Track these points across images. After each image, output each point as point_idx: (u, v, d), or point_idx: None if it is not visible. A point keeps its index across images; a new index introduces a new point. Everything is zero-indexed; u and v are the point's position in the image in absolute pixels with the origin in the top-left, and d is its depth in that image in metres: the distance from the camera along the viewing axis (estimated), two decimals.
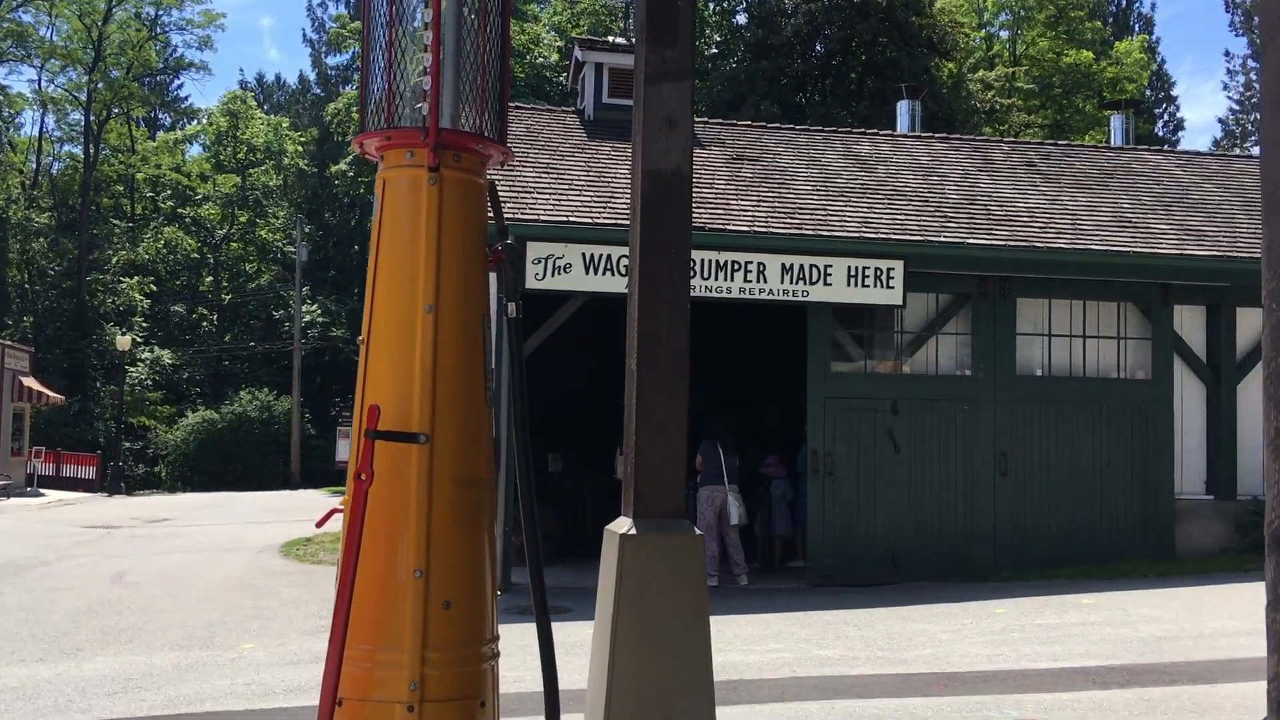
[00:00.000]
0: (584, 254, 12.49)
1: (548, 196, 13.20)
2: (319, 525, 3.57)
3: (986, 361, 13.55)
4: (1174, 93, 63.05)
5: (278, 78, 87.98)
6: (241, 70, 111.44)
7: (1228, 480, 13.97)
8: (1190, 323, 14.21)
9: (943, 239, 13.34)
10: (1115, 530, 13.59)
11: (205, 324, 59.01)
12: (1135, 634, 9.11)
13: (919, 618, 10.27)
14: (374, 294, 3.36)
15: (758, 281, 12.80)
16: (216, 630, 9.84)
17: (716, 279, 12.71)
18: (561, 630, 9.97)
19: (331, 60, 67.15)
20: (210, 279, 59.96)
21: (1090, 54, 51.60)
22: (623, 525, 5.12)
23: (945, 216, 14.05)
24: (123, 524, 22.34)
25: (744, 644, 9.00)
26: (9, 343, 36.74)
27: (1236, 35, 52.99)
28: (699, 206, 13.27)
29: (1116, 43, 52.74)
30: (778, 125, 18.22)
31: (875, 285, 12.99)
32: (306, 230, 55.17)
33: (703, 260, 12.66)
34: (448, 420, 3.27)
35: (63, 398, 41.97)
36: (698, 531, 5.13)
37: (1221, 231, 14.56)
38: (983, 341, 13.58)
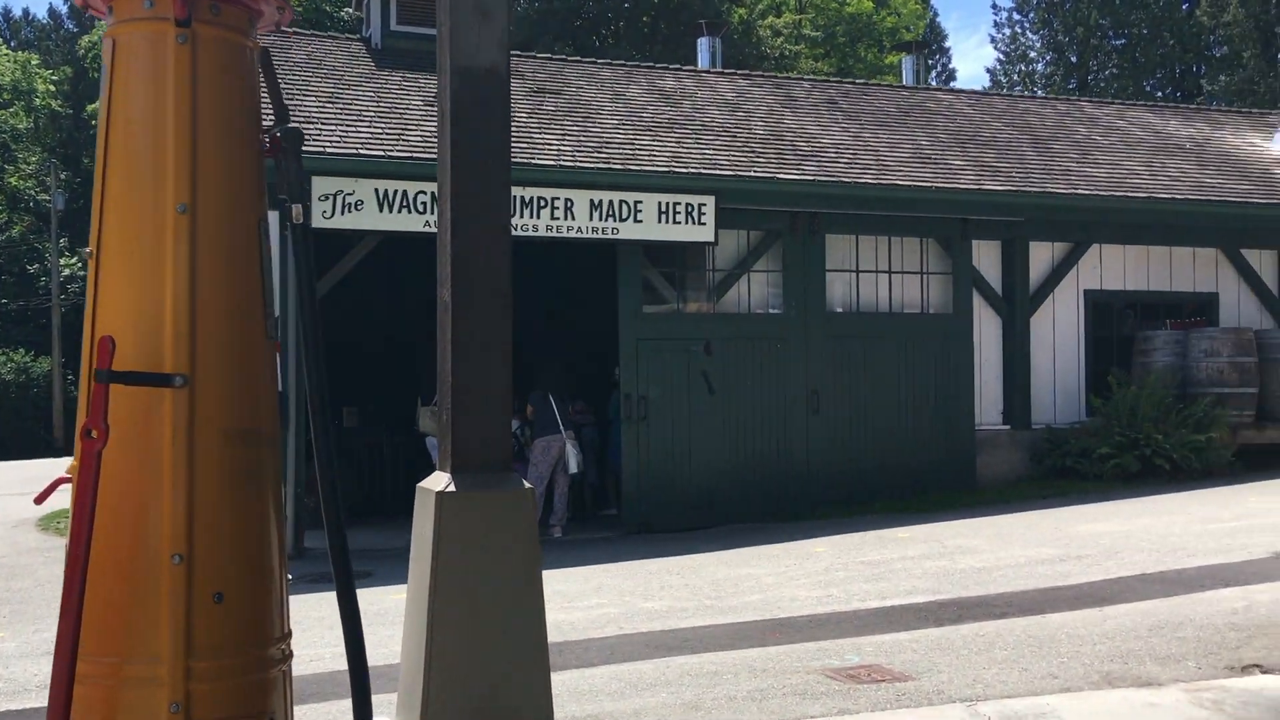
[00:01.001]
0: (377, 190, 11.51)
1: (333, 128, 12.11)
2: (38, 501, 2.72)
3: (797, 299, 13.38)
4: (946, 44, 65.59)
5: (26, 12, 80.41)
6: None
7: (1022, 411, 14.36)
8: (987, 258, 14.44)
9: (754, 174, 13.02)
10: (923, 463, 13.75)
11: None
12: (956, 566, 9.07)
13: (742, 562, 9.99)
14: (104, 192, 2.50)
15: (566, 219, 12.14)
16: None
17: (522, 216, 11.97)
18: (365, 597, 9.17)
19: None
20: None
21: (870, 4, 53.08)
22: (439, 481, 4.43)
23: (754, 152, 13.74)
24: None
25: (565, 600, 8.45)
26: None
27: None
28: None
29: None
30: (579, 59, 17.51)
31: (687, 222, 12.55)
32: (63, 177, 50.80)
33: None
34: (213, 357, 2.49)
35: None
36: (527, 485, 4.48)
37: (1014, 168, 14.84)
38: (794, 279, 13.39)
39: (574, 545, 11.88)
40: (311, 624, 8.06)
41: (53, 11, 71.95)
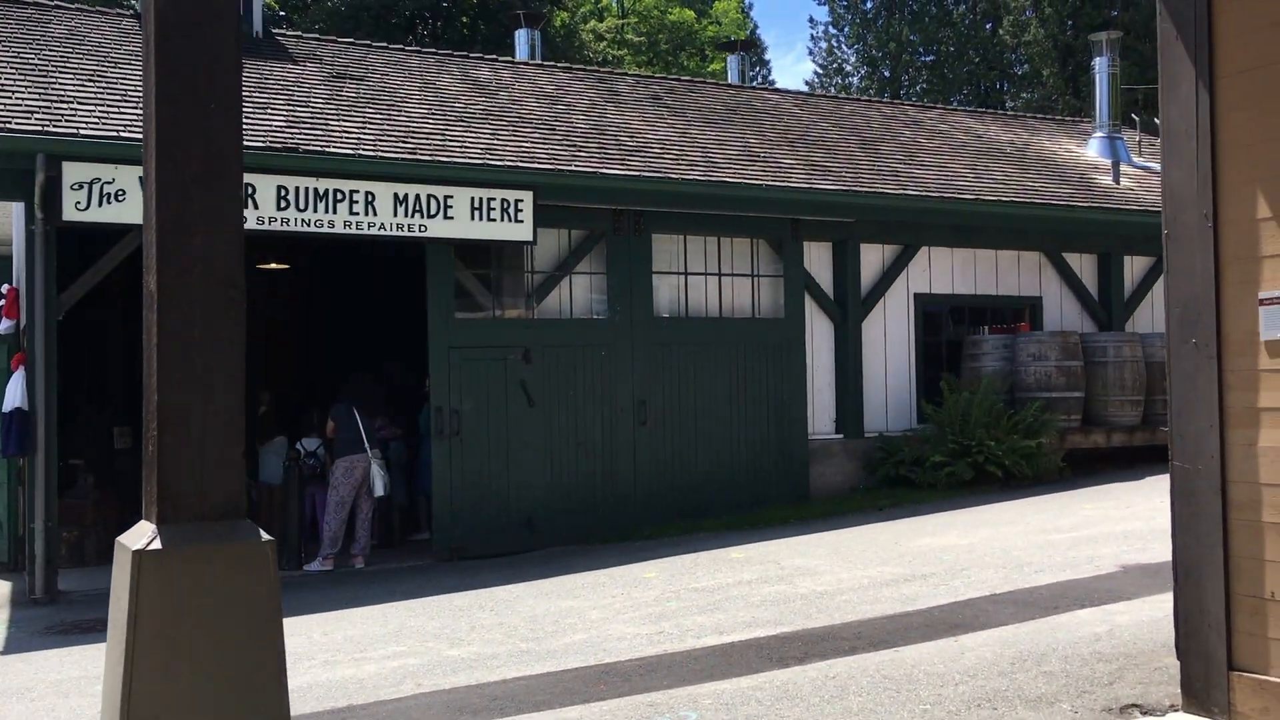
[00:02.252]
0: (141, 177, 9.99)
1: (92, 108, 10.55)
2: None
3: (623, 303, 12.51)
4: (766, 56, 66.48)
5: None
6: None
7: (855, 419, 13.88)
8: (819, 260, 13.93)
9: (574, 168, 12.07)
10: (755, 475, 13.08)
11: None
12: (796, 590, 8.31)
13: (565, 593, 9.00)
14: None
15: (367, 214, 10.92)
16: None
17: (316, 210, 10.70)
18: (87, 655, 7.73)
19: None
20: None
21: (692, 13, 53.28)
22: (140, 535, 3.29)
23: (575, 146, 12.80)
24: None
25: (357, 650, 7.28)
26: None
27: (819, 4, 56.32)
28: (290, 127, 11.18)
29: (716, 2, 54.77)
30: (385, 45, 16.25)
31: (502, 219, 11.51)
32: None
33: (298, 189, 10.61)
34: None
35: None
36: (265, 536, 3.37)
37: (844, 168, 14.39)
38: (619, 281, 12.52)
39: (378, 577, 10.65)
40: (45, 691, 6.67)
41: None
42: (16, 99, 10.31)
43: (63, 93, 10.74)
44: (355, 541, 11.37)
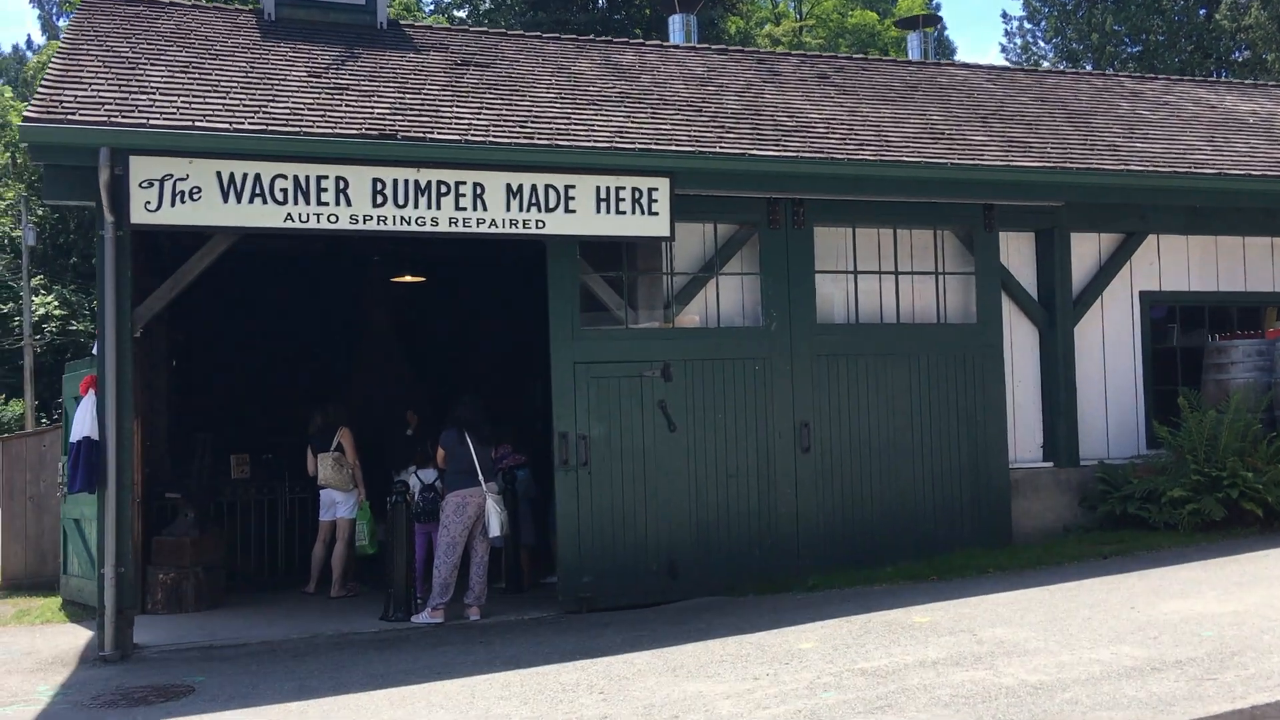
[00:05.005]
0: (220, 173, 8.78)
1: (173, 98, 9.41)
2: None
3: (780, 308, 10.59)
4: (951, 43, 62.87)
5: (15, 48, 78.52)
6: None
7: (1068, 443, 11.48)
8: (1019, 254, 11.64)
9: (720, 149, 10.25)
10: (942, 514, 10.89)
11: None
12: (999, 681, 6.21)
13: (696, 668, 7.13)
14: None
15: (475, 209, 9.39)
16: None
17: (417, 206, 9.23)
18: None
19: (66, 21, 59.73)
20: None
21: (875, 15, 50.74)
22: None
23: (723, 127, 10.98)
24: None
25: None
26: None
27: None
28: (394, 114, 9.79)
29: (900, 1, 52.06)
30: (521, 33, 14.85)
31: (634, 211, 9.78)
32: (39, 213, 48.52)
33: (396, 182, 9.17)
34: None
35: None
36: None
37: (1048, 144, 12.04)
38: (775, 283, 10.61)
39: (487, 635, 9.03)
40: None
41: (29, 42, 70.04)
42: (92, 91, 9.27)
43: (145, 84, 9.66)
44: (469, 590, 9.82)
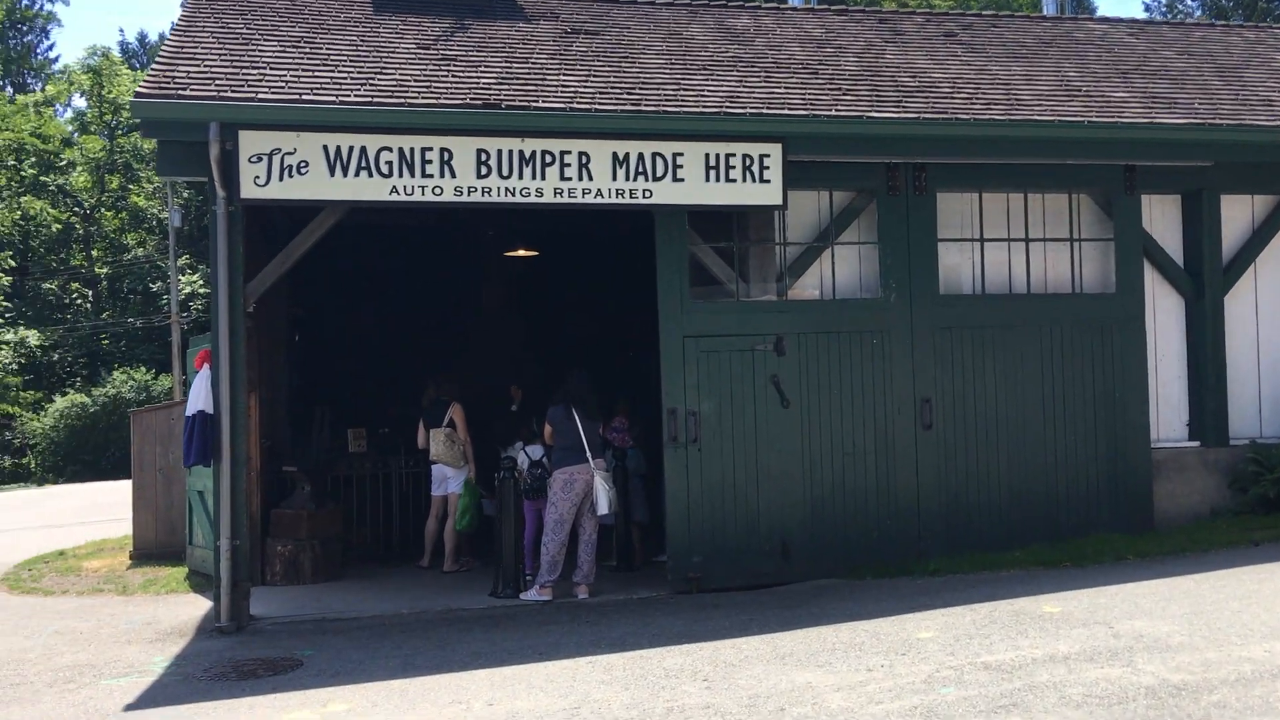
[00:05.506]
0: (326, 146, 8.74)
1: (283, 73, 9.40)
2: None
3: (900, 278, 10.09)
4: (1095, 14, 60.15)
5: (163, 36, 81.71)
6: (122, 31, 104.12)
7: (1217, 421, 10.71)
8: (1163, 218, 10.87)
9: (836, 113, 9.78)
10: (1075, 496, 10.27)
11: (80, 301, 54.03)
12: (1137, 679, 5.72)
13: (806, 656, 6.80)
14: None
15: (580, 179, 9.16)
16: None
17: (521, 177, 9.05)
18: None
19: None
20: (83, 252, 54.83)
21: None
22: None
23: (839, 90, 10.49)
24: None
25: None
26: None
27: None
28: (499, 84, 9.60)
29: None
30: (632, 0, 14.50)
31: (745, 179, 9.42)
32: (185, 195, 50.39)
33: (500, 152, 9.00)
34: None
35: None
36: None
37: (1195, 99, 11.19)
38: (894, 252, 10.11)
39: (594, 614, 8.85)
40: None
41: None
42: (204, 66, 9.33)
43: (256, 59, 9.69)
44: (577, 568, 9.65)
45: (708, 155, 9.34)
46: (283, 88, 9.05)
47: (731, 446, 9.67)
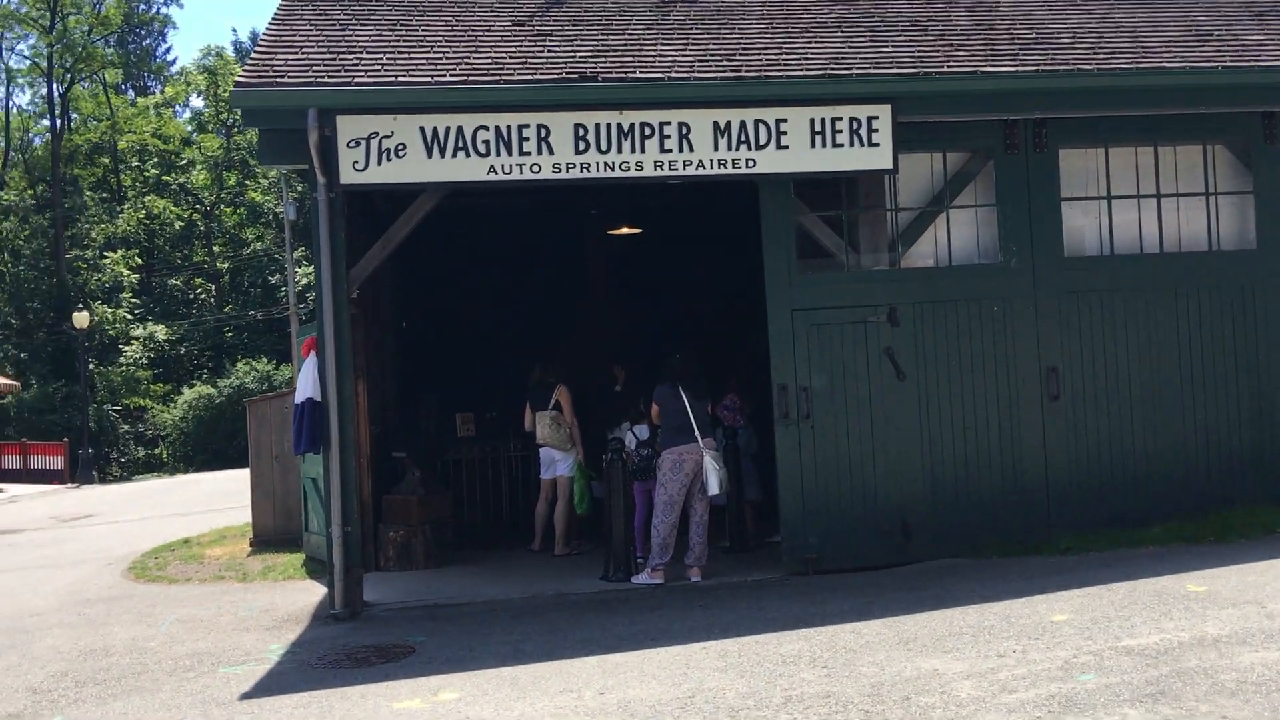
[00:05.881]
0: (423, 128, 8.63)
1: (379, 56, 9.33)
2: None
3: (1021, 242, 9.58)
4: None
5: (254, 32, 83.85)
6: (235, 30, 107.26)
7: None
8: None
9: (948, 69, 9.30)
10: (1217, 467, 9.64)
11: (204, 295, 55.97)
12: None
13: (931, 640, 6.46)
14: None
15: (681, 150, 8.88)
16: None
17: (620, 151, 8.81)
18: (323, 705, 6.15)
19: None
20: (205, 248, 56.74)
21: None
22: None
23: (951, 46, 9.98)
24: (26, 527, 19.07)
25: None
26: None
27: None
28: (595, 57, 9.37)
29: None
30: None
31: (852, 143, 9.02)
32: (300, 189, 51.64)
33: (599, 126, 8.77)
34: None
35: (16, 384, 39.00)
36: None
37: None
38: (1014, 214, 9.60)
39: (708, 597, 8.62)
40: None
41: None
42: (302, 53, 9.31)
43: (353, 44, 9.63)
44: (689, 550, 9.43)
45: (813, 120, 8.97)
46: (379, 71, 8.97)
47: (845, 422, 9.32)
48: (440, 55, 9.39)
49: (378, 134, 8.60)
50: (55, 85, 53.68)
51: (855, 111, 8.99)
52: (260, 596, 9.97)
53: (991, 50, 9.84)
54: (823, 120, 8.97)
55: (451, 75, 8.89)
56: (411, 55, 9.42)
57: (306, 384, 8.97)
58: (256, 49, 9.48)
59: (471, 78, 8.85)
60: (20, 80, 56.77)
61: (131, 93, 62.94)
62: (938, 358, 9.42)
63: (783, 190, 9.30)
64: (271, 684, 6.91)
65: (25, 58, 55.16)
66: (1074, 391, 9.53)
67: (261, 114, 8.71)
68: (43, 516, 21.38)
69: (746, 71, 9.16)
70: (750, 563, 10.02)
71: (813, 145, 8.97)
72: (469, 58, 9.36)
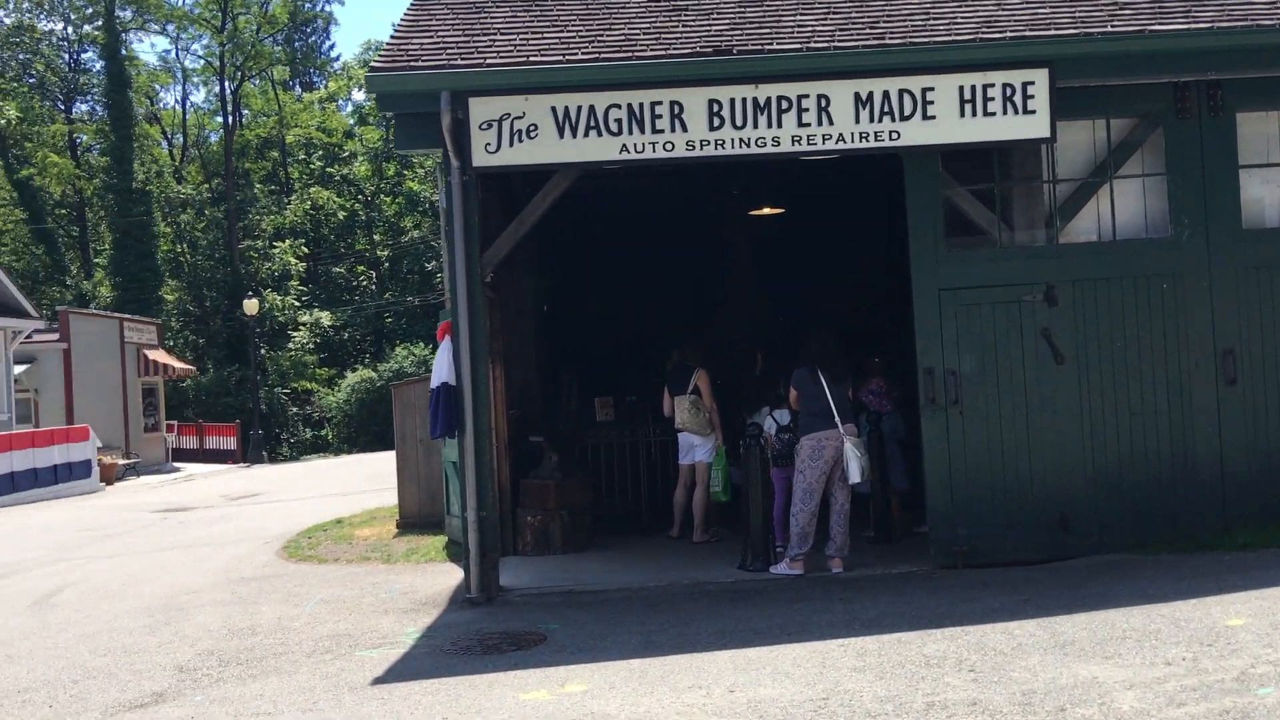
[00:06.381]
0: (554, 108, 8.50)
1: (511, 37, 9.24)
2: None
3: (1194, 214, 8.85)
4: None
5: None
6: (393, 25, 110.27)
7: None
8: None
9: (1112, 29, 8.64)
10: None
11: (365, 282, 57.97)
12: None
13: (1091, 645, 5.98)
14: None
15: (820, 124, 8.50)
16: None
17: (757, 125, 8.49)
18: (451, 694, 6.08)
19: None
20: (366, 237, 58.72)
21: None
22: None
23: (1114, 3, 9.27)
24: (197, 505, 20.00)
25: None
26: (128, 316, 35.57)
27: None
28: (732, 30, 9.07)
29: None
30: None
31: (1005, 111, 8.47)
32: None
33: (733, 101, 8.48)
34: None
35: (193, 368, 41.05)
36: None
37: None
38: (1186, 184, 8.87)
39: (849, 590, 8.26)
40: None
41: None
42: (437, 37, 9.29)
43: (487, 26, 9.57)
44: (830, 540, 9.07)
45: (962, 88, 8.46)
46: (511, 52, 8.87)
47: (998, 408, 8.80)
48: (573, 34, 9.23)
49: (509, 115, 8.51)
50: (227, 83, 56.24)
51: (1008, 77, 8.44)
52: (402, 578, 10.08)
53: (1159, 7, 9.10)
54: (973, 87, 8.45)
55: (584, 54, 8.72)
56: (544, 35, 9.29)
57: (441, 368, 8.98)
58: (393, 34, 9.52)
59: (604, 55, 8.66)
60: (195, 79, 59.76)
61: (298, 88, 65.39)
62: (1099, 339, 8.79)
63: (929, 163, 8.82)
64: (404, 669, 6.92)
65: (199, 57, 58.02)
66: (1253, 375, 8.76)
67: (395, 98, 8.72)
68: (213, 495, 22.37)
69: (891, 39, 8.70)
70: (895, 554, 9.59)
71: (962, 114, 8.46)
72: (602, 35, 9.17)
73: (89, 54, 56.12)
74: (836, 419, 8.92)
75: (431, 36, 9.31)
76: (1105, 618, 6.56)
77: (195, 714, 6.18)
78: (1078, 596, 7.24)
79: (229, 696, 6.50)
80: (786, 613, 7.57)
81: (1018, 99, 8.45)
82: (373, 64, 8.71)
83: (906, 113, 8.47)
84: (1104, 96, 8.84)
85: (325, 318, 53.45)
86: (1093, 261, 8.90)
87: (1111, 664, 5.59)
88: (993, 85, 8.44)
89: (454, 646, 7.38)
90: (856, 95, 8.48)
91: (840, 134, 8.48)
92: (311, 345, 52.56)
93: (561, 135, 8.50)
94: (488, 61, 8.62)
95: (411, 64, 8.64)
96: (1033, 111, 8.45)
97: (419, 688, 6.39)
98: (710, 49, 8.62)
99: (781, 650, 6.51)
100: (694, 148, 8.50)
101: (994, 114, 8.45)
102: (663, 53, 8.63)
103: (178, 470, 33.12)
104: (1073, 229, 9.09)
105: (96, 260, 53.17)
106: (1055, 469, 8.77)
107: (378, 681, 6.63)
